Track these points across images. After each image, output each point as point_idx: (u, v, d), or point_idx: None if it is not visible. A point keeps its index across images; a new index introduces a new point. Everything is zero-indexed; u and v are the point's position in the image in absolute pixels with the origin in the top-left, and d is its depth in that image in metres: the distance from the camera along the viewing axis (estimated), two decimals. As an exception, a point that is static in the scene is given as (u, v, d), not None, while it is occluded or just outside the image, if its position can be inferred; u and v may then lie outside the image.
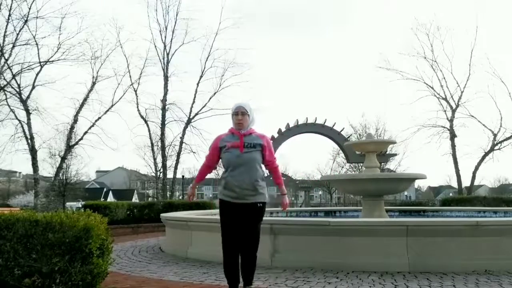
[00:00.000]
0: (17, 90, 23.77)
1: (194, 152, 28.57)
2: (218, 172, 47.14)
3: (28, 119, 23.71)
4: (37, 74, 24.26)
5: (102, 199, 45.03)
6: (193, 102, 28.43)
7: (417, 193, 69.15)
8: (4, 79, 23.46)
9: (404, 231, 5.30)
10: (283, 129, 20.05)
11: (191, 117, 28.33)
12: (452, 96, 28.93)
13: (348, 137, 22.76)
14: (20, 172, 58.02)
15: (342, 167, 39.94)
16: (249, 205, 3.80)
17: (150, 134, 28.56)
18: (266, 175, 4.07)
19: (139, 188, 65.65)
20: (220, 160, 4.03)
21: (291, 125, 20.10)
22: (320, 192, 65.00)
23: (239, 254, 3.84)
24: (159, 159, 28.94)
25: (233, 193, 3.79)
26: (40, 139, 24.63)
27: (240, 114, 3.94)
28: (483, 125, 28.12)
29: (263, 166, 3.98)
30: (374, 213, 8.52)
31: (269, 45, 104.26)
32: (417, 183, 60.77)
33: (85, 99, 25.75)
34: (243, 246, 3.83)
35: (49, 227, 3.61)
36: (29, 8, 23.69)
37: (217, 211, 13.53)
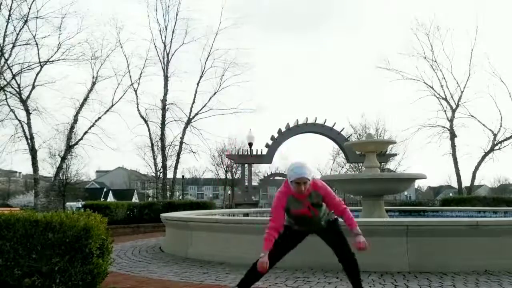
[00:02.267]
0: (17, 90, 23.77)
1: (194, 152, 28.62)
2: (219, 172, 47.32)
3: (28, 119, 23.71)
4: (37, 74, 24.28)
5: (102, 199, 45.02)
6: (193, 102, 28.46)
7: (417, 193, 69.10)
8: (4, 79, 23.46)
9: (404, 231, 5.30)
10: (283, 129, 20.05)
11: (191, 117, 28.35)
12: (452, 96, 28.96)
13: (348, 137, 22.76)
14: (20, 172, 58.06)
15: (342, 167, 40.00)
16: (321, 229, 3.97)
17: (150, 134, 28.60)
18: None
19: (139, 188, 65.62)
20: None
21: (291, 125, 20.09)
22: (320, 192, 64.78)
23: (344, 267, 3.95)
24: (159, 159, 28.97)
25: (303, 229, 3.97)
26: (40, 139, 24.65)
27: (302, 184, 3.60)
28: (483, 125, 28.15)
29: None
30: (374, 213, 8.52)
31: (269, 45, 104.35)
32: (417, 183, 60.71)
33: (85, 99, 25.75)
34: (339, 257, 3.94)
35: (49, 227, 3.62)
36: (29, 8, 23.71)
37: (216, 211, 13.47)
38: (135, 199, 52.97)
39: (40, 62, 24.23)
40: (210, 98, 28.50)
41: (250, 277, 3.93)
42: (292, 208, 3.77)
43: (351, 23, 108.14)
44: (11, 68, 23.67)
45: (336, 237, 3.91)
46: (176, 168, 28.92)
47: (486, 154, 27.70)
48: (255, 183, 31.04)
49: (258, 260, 3.63)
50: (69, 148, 25.41)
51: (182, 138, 28.30)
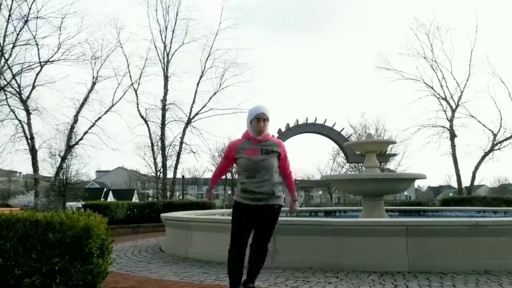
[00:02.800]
0: (17, 90, 23.80)
1: (194, 152, 28.64)
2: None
3: (28, 119, 23.72)
4: (37, 74, 24.31)
5: (102, 199, 45.00)
6: (193, 102, 28.50)
7: (417, 193, 69.12)
8: (4, 79, 23.48)
9: (404, 231, 5.30)
10: (283, 129, 20.06)
11: (191, 117, 28.37)
12: (452, 96, 28.99)
13: (348, 137, 22.78)
14: (20, 172, 58.04)
15: (342, 167, 39.99)
16: (267, 207, 3.85)
17: (150, 134, 28.62)
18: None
19: (139, 188, 65.60)
20: (236, 164, 3.99)
21: (291, 125, 20.12)
22: (320, 192, 65.01)
23: (251, 250, 3.89)
24: (159, 159, 28.99)
25: (252, 196, 3.81)
26: (40, 139, 24.68)
27: (262, 120, 3.81)
28: (483, 125, 28.18)
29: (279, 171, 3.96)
30: (374, 213, 8.52)
31: (269, 45, 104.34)
32: (417, 183, 60.78)
33: (85, 99, 25.78)
34: (256, 242, 3.88)
35: (49, 227, 3.62)
36: (29, 8, 23.76)
37: (217, 211, 13.52)
38: (135, 199, 52.98)
39: (40, 62, 24.28)
40: (210, 98, 28.57)
41: (232, 276, 3.87)
42: (244, 151, 3.82)
43: (351, 23, 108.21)
44: (11, 68, 23.71)
45: (268, 225, 3.90)
46: (176, 168, 28.98)
47: (486, 154, 27.72)
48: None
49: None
50: (69, 148, 25.43)
51: (182, 138, 28.35)
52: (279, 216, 3.98)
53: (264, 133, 3.87)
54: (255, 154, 3.81)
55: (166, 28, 28.98)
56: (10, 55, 23.67)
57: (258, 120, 3.81)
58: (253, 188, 3.78)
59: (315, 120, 20.44)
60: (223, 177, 46.64)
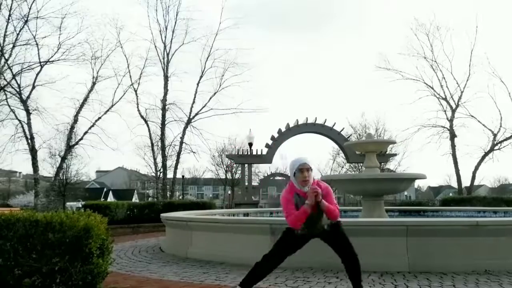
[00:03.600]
0: (17, 90, 23.79)
1: (194, 152, 28.62)
2: (219, 172, 47.31)
3: (28, 119, 23.72)
4: (37, 74, 24.30)
5: (102, 199, 45.01)
6: (193, 102, 28.48)
7: (417, 193, 69.10)
8: (4, 79, 23.48)
9: (404, 231, 5.30)
10: (283, 129, 20.05)
11: (191, 117, 28.35)
12: (452, 96, 28.98)
13: (348, 137, 22.75)
14: (20, 172, 58.02)
15: (342, 167, 39.98)
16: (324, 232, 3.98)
17: (150, 134, 28.61)
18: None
19: (139, 188, 65.59)
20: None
21: (291, 125, 20.09)
22: (320, 192, 64.74)
23: (346, 263, 3.96)
24: (159, 159, 28.98)
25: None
26: (40, 139, 24.66)
27: (305, 171, 3.76)
28: (483, 125, 28.17)
29: None
30: (374, 213, 8.52)
31: (269, 45, 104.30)
32: (417, 183, 60.72)
33: (85, 99, 25.76)
34: (344, 254, 3.95)
35: (49, 227, 3.62)
36: (29, 8, 23.75)
37: (217, 211, 13.46)
38: (135, 199, 52.97)
39: (40, 62, 24.28)
40: (210, 98, 28.55)
41: (252, 277, 3.94)
42: (298, 206, 3.80)
43: (351, 23, 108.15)
44: (11, 68, 23.71)
45: (340, 240, 3.95)
46: (176, 168, 28.97)
47: (486, 154, 27.71)
48: (255, 183, 31.03)
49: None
50: (69, 148, 25.42)
51: (182, 138, 28.33)
52: (342, 228, 4.04)
53: (309, 183, 3.79)
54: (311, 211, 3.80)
55: (166, 28, 29.01)
56: (10, 55, 23.68)
57: (302, 171, 3.76)
58: (307, 231, 3.92)
59: (315, 120, 20.41)
60: (224, 176, 46.79)
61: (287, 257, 4.00)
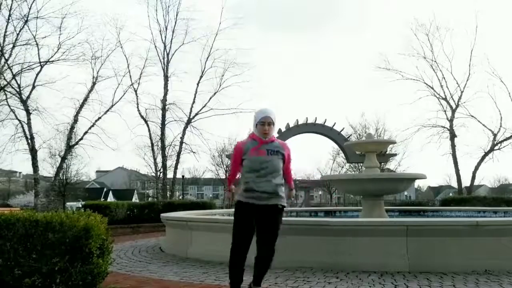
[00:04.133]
0: (17, 90, 23.75)
1: (194, 152, 28.60)
2: (219, 172, 47.31)
3: (28, 119, 23.70)
4: (37, 74, 24.26)
5: (102, 199, 45.02)
6: (193, 102, 28.45)
7: (417, 193, 69.14)
8: (4, 79, 23.45)
9: (404, 231, 5.30)
10: (283, 129, 20.06)
11: (191, 117, 28.33)
12: (452, 96, 28.98)
13: (348, 137, 22.76)
14: (20, 172, 58.06)
15: (342, 167, 40.00)
16: (271, 206, 3.85)
17: (150, 134, 28.59)
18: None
19: (139, 188, 65.62)
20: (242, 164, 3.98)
21: (291, 125, 20.10)
22: (320, 192, 64.97)
23: (258, 252, 3.85)
24: (159, 159, 28.97)
25: (255, 195, 3.82)
26: (40, 139, 24.63)
27: (267, 124, 3.86)
28: (483, 125, 28.16)
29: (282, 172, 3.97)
30: (374, 213, 8.52)
31: (269, 45, 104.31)
32: (417, 183, 60.81)
33: (85, 99, 25.73)
34: (262, 243, 3.84)
35: (49, 227, 3.62)
36: (29, 8, 23.70)
37: (217, 211, 13.46)
38: (135, 199, 52.97)
39: (40, 62, 24.24)
40: (210, 98, 28.53)
41: (233, 276, 3.85)
42: (249, 152, 3.84)
43: (351, 23, 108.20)
44: (11, 68, 23.66)
45: (273, 225, 3.85)
46: (176, 168, 28.95)
47: (486, 154, 27.70)
48: (255, 183, 30.92)
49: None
50: (69, 148, 25.40)
51: (182, 138, 28.31)
52: (282, 216, 3.97)
53: (269, 136, 3.90)
54: (260, 154, 3.84)
55: (166, 28, 28.99)
56: (10, 55, 23.64)
57: (263, 124, 3.86)
58: (256, 188, 3.79)
59: (315, 120, 20.42)
60: (224, 176, 46.80)
61: (249, 239, 3.84)
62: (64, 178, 27.41)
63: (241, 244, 3.84)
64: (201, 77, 28.89)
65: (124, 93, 27.67)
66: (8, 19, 23.42)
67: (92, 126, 25.87)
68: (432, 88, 29.40)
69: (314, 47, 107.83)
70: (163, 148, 28.29)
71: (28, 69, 24.17)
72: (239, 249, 3.84)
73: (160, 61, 28.63)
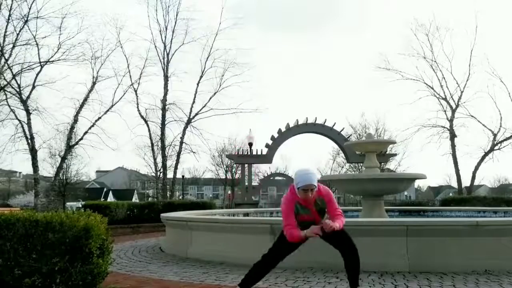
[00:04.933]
0: (17, 90, 23.75)
1: (194, 152, 28.58)
2: (219, 172, 47.31)
3: (28, 119, 23.69)
4: (37, 74, 24.25)
5: (102, 199, 45.02)
6: (193, 102, 28.43)
7: (417, 193, 69.09)
8: (4, 79, 23.44)
9: (404, 231, 5.30)
10: (283, 129, 20.06)
11: (191, 117, 28.32)
12: (452, 96, 28.96)
13: (348, 137, 22.76)
14: (20, 172, 58.03)
15: (342, 167, 40.00)
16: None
17: (150, 134, 28.57)
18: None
19: (139, 188, 65.59)
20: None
21: (291, 125, 20.10)
22: (320, 192, 64.69)
23: (346, 258, 3.91)
24: (159, 159, 28.95)
25: None
26: (40, 139, 24.62)
27: (310, 191, 3.69)
28: (483, 125, 28.14)
29: None
30: (374, 213, 8.52)
31: (269, 45, 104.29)
32: (417, 183, 60.74)
33: (85, 99, 25.73)
34: (345, 249, 3.90)
35: (49, 227, 3.62)
36: (29, 8, 23.69)
37: (217, 211, 13.45)
38: (135, 199, 52.96)
39: (40, 62, 24.23)
40: (210, 98, 28.51)
41: (251, 277, 3.94)
42: (299, 215, 3.80)
43: (351, 23, 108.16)
44: (11, 68, 23.65)
45: (338, 234, 3.88)
46: (176, 168, 28.93)
47: (486, 154, 27.69)
48: (255, 183, 31.02)
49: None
50: (69, 148, 25.40)
51: (182, 138, 28.30)
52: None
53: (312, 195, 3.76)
54: (310, 219, 3.82)
55: (166, 28, 28.97)
56: (10, 55, 23.63)
57: (306, 191, 3.69)
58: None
59: (315, 120, 20.42)
60: (224, 176, 46.79)
61: (285, 256, 3.98)
62: (64, 178, 27.40)
63: (277, 258, 3.98)
64: (201, 77, 28.91)
65: (124, 93, 27.68)
66: (8, 19, 23.43)
67: (92, 126, 25.87)
68: (432, 88, 29.41)
69: (314, 47, 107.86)
70: (163, 148, 28.28)
71: (28, 69, 24.18)
72: (272, 262, 3.99)
73: (160, 61, 28.65)
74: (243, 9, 79.63)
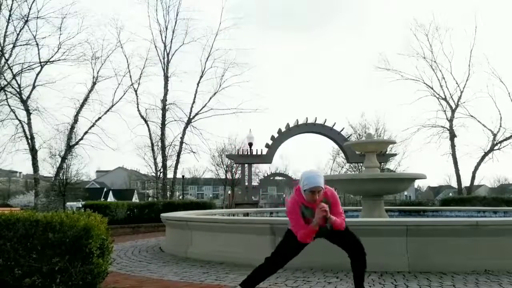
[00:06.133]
0: (18, 90, 23.78)
1: (194, 152, 28.61)
2: (219, 172, 47.31)
3: (29, 119, 23.71)
4: (37, 74, 24.30)
5: (102, 199, 45.01)
6: (193, 102, 28.47)
7: (417, 193, 69.07)
8: (5, 79, 23.47)
9: (404, 231, 5.30)
10: (283, 129, 20.06)
11: (191, 117, 28.35)
12: (451, 96, 28.99)
13: (348, 137, 22.77)
14: (20, 172, 58.05)
15: (342, 167, 39.95)
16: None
17: (150, 134, 28.62)
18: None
19: (139, 188, 65.59)
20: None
21: (291, 125, 20.11)
22: (320, 192, 64.68)
23: (353, 259, 3.95)
24: (159, 159, 28.99)
25: None
26: (40, 139, 24.66)
27: (317, 192, 3.67)
28: (483, 125, 28.17)
29: None
30: (374, 213, 8.52)
31: (269, 45, 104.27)
32: (417, 183, 60.73)
33: (85, 99, 25.76)
34: (353, 251, 3.95)
35: (49, 227, 3.62)
36: (30, 8, 23.75)
37: (217, 211, 13.45)
38: (135, 199, 52.95)
39: (40, 62, 24.28)
40: (210, 98, 28.56)
41: (254, 278, 3.93)
42: (304, 217, 3.79)
43: (351, 23, 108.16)
44: (11, 68, 23.70)
45: (345, 236, 3.93)
46: (176, 168, 28.97)
47: (486, 154, 27.71)
48: (255, 183, 31.02)
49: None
50: (69, 148, 25.41)
51: (182, 138, 28.33)
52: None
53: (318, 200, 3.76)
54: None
55: (166, 28, 29.02)
56: (10, 55, 23.68)
57: (313, 193, 3.66)
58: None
59: (315, 120, 20.43)
60: (224, 176, 46.76)
61: (290, 259, 3.96)
62: (64, 178, 27.34)
63: (284, 261, 3.95)
64: (201, 77, 28.94)
65: (124, 93, 27.74)
66: (9, 19, 23.48)
67: (92, 126, 25.91)
68: (432, 88, 29.44)
69: (314, 47, 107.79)
70: (163, 148, 28.30)
71: (28, 69, 24.24)
72: (279, 264, 3.96)
73: (160, 61, 28.69)
74: (243, 9, 79.71)
